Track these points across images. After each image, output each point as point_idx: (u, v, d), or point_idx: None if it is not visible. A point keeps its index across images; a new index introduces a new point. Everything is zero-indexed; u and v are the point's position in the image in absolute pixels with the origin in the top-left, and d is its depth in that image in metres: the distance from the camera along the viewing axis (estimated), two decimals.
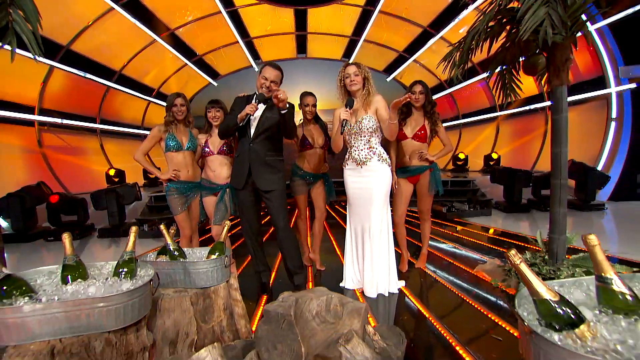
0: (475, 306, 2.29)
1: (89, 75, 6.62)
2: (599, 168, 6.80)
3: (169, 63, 8.28)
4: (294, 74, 9.87)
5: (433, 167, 2.88)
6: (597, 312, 0.84)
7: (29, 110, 6.13)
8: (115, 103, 7.62)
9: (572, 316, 0.79)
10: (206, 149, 2.73)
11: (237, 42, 8.31)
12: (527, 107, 8.66)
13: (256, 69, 9.47)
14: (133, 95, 7.52)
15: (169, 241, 1.73)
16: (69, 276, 1.24)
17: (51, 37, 5.84)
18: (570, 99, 8.29)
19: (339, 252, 3.69)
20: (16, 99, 5.78)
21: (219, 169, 2.73)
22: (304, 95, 3.07)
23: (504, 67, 2.83)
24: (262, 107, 2.40)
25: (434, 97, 10.18)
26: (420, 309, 2.30)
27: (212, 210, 2.76)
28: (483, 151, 9.17)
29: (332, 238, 4.33)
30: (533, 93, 8.28)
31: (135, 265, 1.34)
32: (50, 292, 1.19)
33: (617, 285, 0.83)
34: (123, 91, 7.53)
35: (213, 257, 1.69)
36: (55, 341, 1.07)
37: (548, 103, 8.28)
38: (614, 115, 7.04)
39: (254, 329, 1.78)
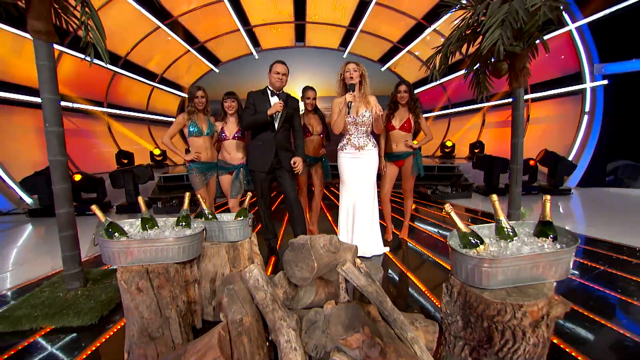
0: (444, 265, 2.88)
1: (96, 61, 6.86)
2: (571, 157, 7.44)
3: (172, 49, 8.53)
4: (293, 62, 10.15)
5: (416, 153, 3.41)
6: (491, 239, 1.40)
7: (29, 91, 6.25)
8: (120, 88, 7.92)
9: (477, 241, 1.35)
10: (222, 134, 3.20)
11: (238, 30, 8.58)
12: (509, 100, 9.19)
13: (256, 57, 9.74)
14: (138, 80, 7.81)
15: (204, 207, 2.23)
16: (147, 225, 1.76)
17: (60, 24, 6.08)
18: (550, 92, 8.88)
19: (333, 225, 4.24)
20: (29, 82, 6.07)
21: (234, 152, 3.22)
22: (306, 89, 3.55)
23: (478, 68, 3.33)
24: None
25: (426, 87, 10.65)
26: (399, 265, 2.88)
27: (227, 187, 3.27)
28: (469, 139, 9.75)
29: (327, 214, 4.88)
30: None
31: (191, 220, 1.86)
32: (137, 235, 1.70)
33: (504, 224, 1.39)
34: (128, 76, 7.82)
35: (240, 219, 2.21)
36: (147, 265, 1.59)
37: (531, 95, 8.85)
38: (587, 109, 7.62)
39: None
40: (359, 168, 2.96)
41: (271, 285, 1.47)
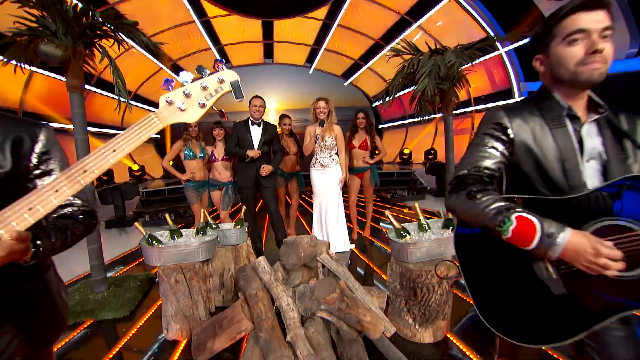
0: None
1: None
2: None
3: (145, 67, 8.80)
4: (262, 78, 10.81)
5: (372, 168, 4.22)
6: (414, 232, 2.20)
7: (12, 113, 6.48)
8: (95, 105, 8.06)
9: (405, 233, 2.13)
10: (213, 157, 3.81)
11: (210, 48, 9.07)
12: (458, 110, 10.49)
13: None
14: (111, 97, 7.99)
15: (209, 220, 2.85)
16: (175, 235, 2.36)
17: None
18: (489, 105, 10.20)
19: (308, 228, 4.95)
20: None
21: (223, 171, 3.83)
22: (282, 117, 4.25)
23: (419, 97, 4.22)
24: (259, 130, 3.51)
25: (384, 100, 11.73)
26: (362, 257, 3.65)
27: (218, 200, 3.88)
28: (425, 147, 10.92)
29: (302, 220, 5.58)
30: (464, 98, 10.07)
31: (207, 229, 2.49)
32: (168, 242, 2.31)
33: (422, 222, 2.19)
34: (101, 94, 7.99)
35: (238, 227, 2.85)
36: (180, 264, 2.21)
37: (474, 107, 10.19)
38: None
39: None
40: (325, 181, 3.69)
41: (273, 270, 2.16)
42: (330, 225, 3.61)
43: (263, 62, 10.74)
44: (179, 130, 3.78)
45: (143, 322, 2.49)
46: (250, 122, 3.52)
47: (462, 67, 3.67)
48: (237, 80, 0.88)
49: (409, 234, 2.15)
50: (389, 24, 9.51)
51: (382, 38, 9.97)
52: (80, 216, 0.93)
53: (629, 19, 5.40)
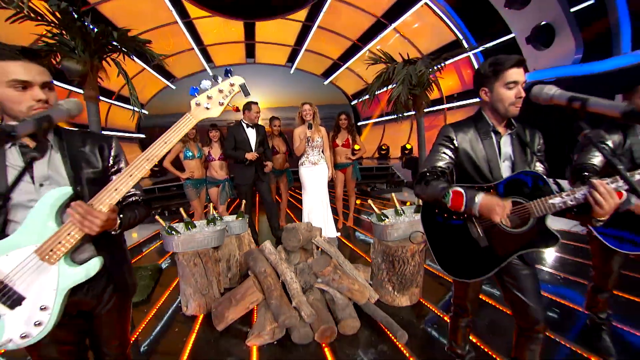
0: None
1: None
2: None
3: (127, 67, 8.84)
4: (244, 77, 11.04)
5: (354, 164, 4.69)
6: (392, 216, 2.69)
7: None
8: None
9: (384, 217, 2.62)
10: (210, 157, 4.15)
11: (192, 48, 9.22)
12: (432, 108, 11.19)
13: (210, 73, 10.36)
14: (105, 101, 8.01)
15: (215, 214, 3.22)
16: (189, 226, 2.73)
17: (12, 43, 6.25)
18: (461, 102, 10.90)
19: (295, 219, 5.37)
20: None
21: (219, 170, 4.19)
22: (273, 118, 4.64)
23: (395, 99, 4.74)
24: (254, 132, 3.87)
25: (363, 98, 12.28)
26: (347, 243, 4.14)
27: (215, 196, 4.23)
28: (401, 142, 11.57)
29: (290, 214, 6.00)
30: (436, 97, 10.76)
31: (216, 220, 2.87)
32: (184, 232, 2.67)
33: (399, 208, 2.68)
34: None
35: (240, 218, 3.24)
36: (197, 250, 2.58)
37: (446, 105, 10.91)
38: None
39: None
40: (315, 177, 4.12)
41: (277, 251, 2.59)
42: (321, 216, 4.06)
43: (245, 62, 10.98)
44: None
45: (161, 302, 2.85)
46: (245, 125, 3.88)
47: (431, 74, 4.21)
48: (244, 83, 1.20)
49: (388, 218, 2.64)
50: (366, 26, 10.01)
51: (359, 39, 10.46)
52: (142, 203, 1.29)
53: (574, 30, 6.16)
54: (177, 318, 2.63)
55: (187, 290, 2.59)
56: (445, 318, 2.46)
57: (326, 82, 12.27)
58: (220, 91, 1.15)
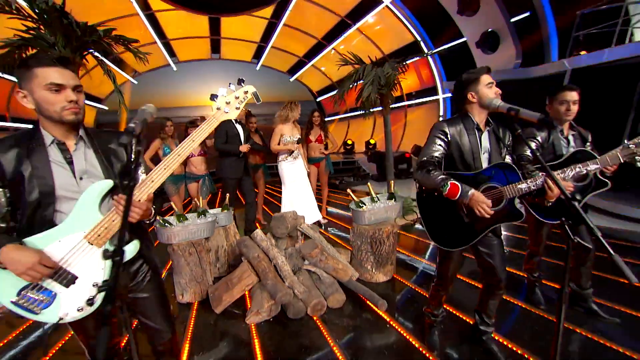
0: (347, 226, 4.56)
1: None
2: None
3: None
4: (209, 73, 10.88)
5: (327, 158, 5.01)
6: (368, 203, 3.04)
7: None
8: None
9: (362, 204, 2.96)
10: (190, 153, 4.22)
11: (155, 42, 8.91)
12: (393, 105, 11.86)
13: (174, 69, 10.06)
14: None
15: (201, 207, 3.35)
16: (181, 218, 2.87)
17: None
18: (419, 100, 11.62)
19: (270, 212, 5.58)
20: None
21: (199, 165, 4.28)
22: (249, 115, 4.79)
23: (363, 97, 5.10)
24: (240, 127, 4.01)
25: (328, 95, 12.64)
26: (322, 232, 4.45)
27: (194, 192, 4.32)
28: (365, 138, 12.12)
29: (265, 208, 6.18)
30: (397, 94, 11.40)
31: (206, 213, 3.02)
32: (177, 224, 2.81)
33: (374, 195, 3.04)
34: None
35: (225, 211, 3.41)
36: (190, 241, 2.73)
37: (407, 102, 11.63)
38: (441, 113, 10.57)
39: None
40: (296, 170, 4.37)
41: (268, 238, 2.82)
42: (303, 206, 4.32)
43: (210, 58, 10.81)
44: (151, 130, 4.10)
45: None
46: (233, 120, 4.01)
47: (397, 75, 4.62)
48: (255, 91, 1.42)
49: (365, 204, 2.98)
50: (330, 25, 10.35)
51: (324, 38, 10.79)
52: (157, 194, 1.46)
53: (514, 38, 6.99)
54: (173, 307, 2.76)
55: (182, 280, 2.73)
56: (417, 289, 2.87)
57: (292, 79, 12.45)
58: (237, 97, 1.37)
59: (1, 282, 1.10)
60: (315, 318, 2.47)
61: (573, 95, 2.09)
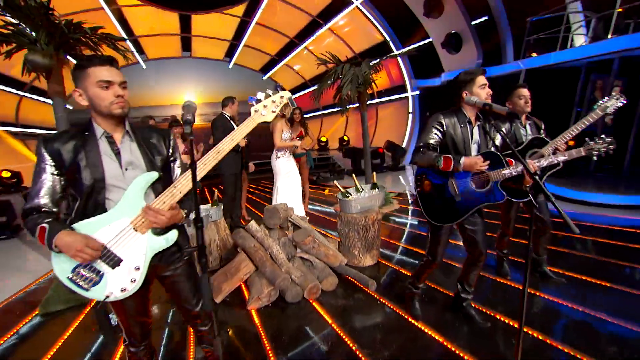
0: (331, 219, 4.79)
1: None
2: (404, 144, 10.79)
3: None
4: (180, 71, 10.63)
5: (307, 153, 5.19)
6: (354, 193, 3.28)
7: None
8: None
9: (348, 194, 3.18)
10: None
11: (123, 39, 8.58)
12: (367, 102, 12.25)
13: (144, 67, 9.70)
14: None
15: None
16: None
17: None
18: (389, 98, 12.06)
19: (250, 207, 5.69)
20: None
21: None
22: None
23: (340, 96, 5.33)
24: (234, 124, 4.10)
25: (301, 92, 12.79)
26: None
27: None
28: (338, 135, 12.42)
29: (248, 205, 6.26)
30: (370, 92, 11.77)
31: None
32: None
33: (358, 186, 3.28)
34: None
35: (215, 206, 3.50)
36: None
37: (377, 100, 12.04)
38: (410, 110, 11.08)
39: None
40: (292, 166, 4.48)
41: (262, 229, 2.97)
42: (294, 197, 4.48)
43: (181, 56, 10.56)
44: None
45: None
46: (227, 117, 4.15)
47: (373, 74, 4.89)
48: (291, 96, 1.54)
49: (351, 194, 3.21)
50: (302, 24, 10.49)
51: (296, 36, 10.91)
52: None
53: (475, 40, 7.55)
54: (169, 300, 2.83)
55: None
56: (401, 270, 3.14)
57: (264, 78, 12.45)
58: (273, 102, 1.48)
59: (59, 262, 1.22)
60: (311, 301, 2.66)
61: (527, 91, 2.48)
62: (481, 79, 1.93)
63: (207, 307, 0.98)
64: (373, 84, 5.21)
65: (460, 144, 1.97)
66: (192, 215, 1.24)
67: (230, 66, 11.35)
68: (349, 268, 3.01)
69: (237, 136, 1.38)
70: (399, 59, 10.86)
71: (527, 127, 2.52)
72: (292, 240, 2.98)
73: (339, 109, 5.28)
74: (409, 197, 6.13)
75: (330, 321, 2.39)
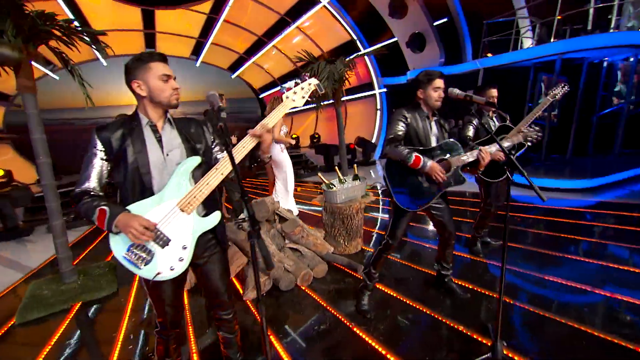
0: (312, 214, 4.93)
1: None
2: (374, 140, 11.17)
3: None
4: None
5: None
6: (338, 184, 3.44)
7: None
8: None
9: (333, 185, 3.34)
10: None
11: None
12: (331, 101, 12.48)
13: (104, 64, 9.12)
14: None
15: None
16: None
17: None
18: (358, 95, 12.40)
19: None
20: None
21: None
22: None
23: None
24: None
25: (270, 91, 12.76)
26: None
27: None
28: (308, 132, 12.57)
29: (228, 205, 6.21)
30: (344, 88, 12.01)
31: None
32: None
33: (341, 178, 3.45)
34: None
35: None
36: None
37: (346, 97, 12.32)
38: (378, 107, 11.48)
39: None
40: (289, 160, 4.55)
41: None
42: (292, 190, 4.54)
43: None
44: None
45: (136, 290, 2.95)
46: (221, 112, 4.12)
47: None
48: (318, 82, 1.62)
49: (335, 186, 3.37)
50: (270, 22, 10.47)
51: (264, 35, 10.88)
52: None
53: (437, 40, 8.03)
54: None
55: None
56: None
57: (233, 76, 12.27)
58: (302, 88, 1.57)
59: (115, 242, 1.31)
60: (304, 287, 2.79)
61: (496, 92, 2.87)
62: (438, 82, 2.12)
63: (270, 265, 1.08)
64: (347, 81, 5.42)
65: (421, 135, 2.17)
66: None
67: (198, 64, 11.05)
68: (336, 255, 3.17)
69: (272, 121, 1.45)
70: (366, 57, 11.21)
71: (494, 119, 2.87)
72: (282, 231, 3.08)
73: (311, 105, 5.42)
74: (379, 189, 6.42)
75: (324, 304, 2.54)
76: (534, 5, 6.98)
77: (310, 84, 1.56)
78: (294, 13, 10.08)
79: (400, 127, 2.16)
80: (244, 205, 1.08)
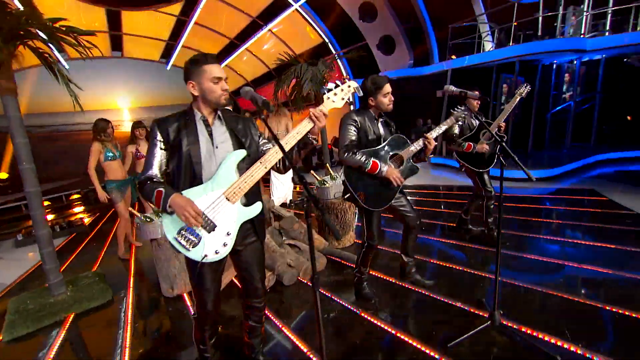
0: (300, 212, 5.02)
1: None
2: None
3: None
4: (110, 72, 9.66)
5: None
6: (330, 181, 3.57)
7: None
8: None
9: (325, 182, 3.46)
10: (139, 154, 4.02)
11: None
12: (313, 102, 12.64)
13: (67, 66, 8.55)
14: None
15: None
16: (160, 213, 2.87)
17: None
18: None
19: None
20: None
21: None
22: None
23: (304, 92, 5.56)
24: None
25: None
26: None
27: None
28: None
29: None
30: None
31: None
32: (158, 219, 2.81)
33: (333, 175, 3.58)
34: None
35: None
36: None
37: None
38: (352, 108, 11.79)
39: None
40: None
41: None
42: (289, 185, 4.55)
43: (110, 56, 9.62)
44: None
45: (133, 298, 2.88)
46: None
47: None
48: (357, 85, 1.65)
49: (327, 182, 3.50)
50: (242, 25, 10.41)
51: (236, 38, 10.79)
52: None
53: (407, 43, 8.44)
54: (164, 303, 2.78)
55: (171, 272, 2.77)
56: (378, 247, 3.52)
57: None
58: (342, 90, 1.61)
59: (168, 224, 1.42)
60: (306, 281, 2.87)
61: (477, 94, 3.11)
62: (387, 88, 2.17)
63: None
64: (326, 82, 5.57)
65: (371, 136, 2.24)
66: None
67: (169, 67, 10.71)
68: (334, 249, 3.29)
69: (328, 107, 1.54)
70: (338, 60, 11.48)
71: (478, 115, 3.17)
72: (280, 228, 3.15)
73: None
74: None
75: (329, 294, 2.65)
76: (491, 12, 7.58)
77: (349, 87, 1.61)
78: (266, 16, 10.10)
79: (353, 132, 2.21)
80: (305, 187, 1.14)
